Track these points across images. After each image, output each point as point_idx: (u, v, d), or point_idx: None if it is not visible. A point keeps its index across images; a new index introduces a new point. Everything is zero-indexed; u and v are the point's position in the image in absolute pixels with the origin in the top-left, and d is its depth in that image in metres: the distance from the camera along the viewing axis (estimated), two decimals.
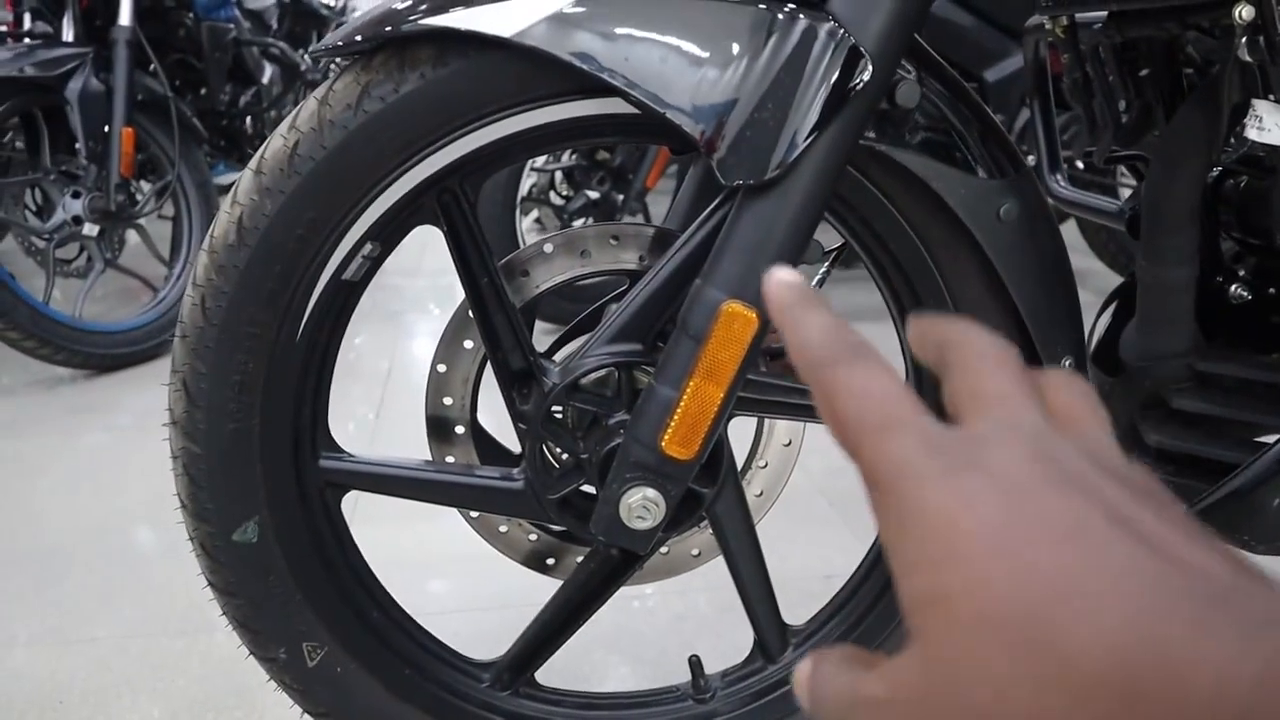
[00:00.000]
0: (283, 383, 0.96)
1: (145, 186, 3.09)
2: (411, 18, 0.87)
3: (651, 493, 0.89)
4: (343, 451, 1.02)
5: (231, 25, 3.28)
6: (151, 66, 2.85)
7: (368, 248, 0.95)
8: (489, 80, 0.89)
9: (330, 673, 1.03)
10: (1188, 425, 1.17)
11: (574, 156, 2.81)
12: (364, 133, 0.89)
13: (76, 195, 2.73)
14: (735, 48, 0.83)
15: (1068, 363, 1.00)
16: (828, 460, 2.09)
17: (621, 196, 2.79)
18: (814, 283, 1.12)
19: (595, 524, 0.92)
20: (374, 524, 1.68)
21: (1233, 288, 1.24)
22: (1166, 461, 1.17)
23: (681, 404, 0.85)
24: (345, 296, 0.97)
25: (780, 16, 0.83)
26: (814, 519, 1.92)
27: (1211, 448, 1.12)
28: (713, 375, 0.84)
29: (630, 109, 0.88)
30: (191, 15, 3.13)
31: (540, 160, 2.79)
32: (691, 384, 0.84)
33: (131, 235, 3.02)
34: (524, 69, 0.88)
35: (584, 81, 0.87)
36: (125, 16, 2.75)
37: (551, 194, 2.84)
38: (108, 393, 2.68)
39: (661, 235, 1.03)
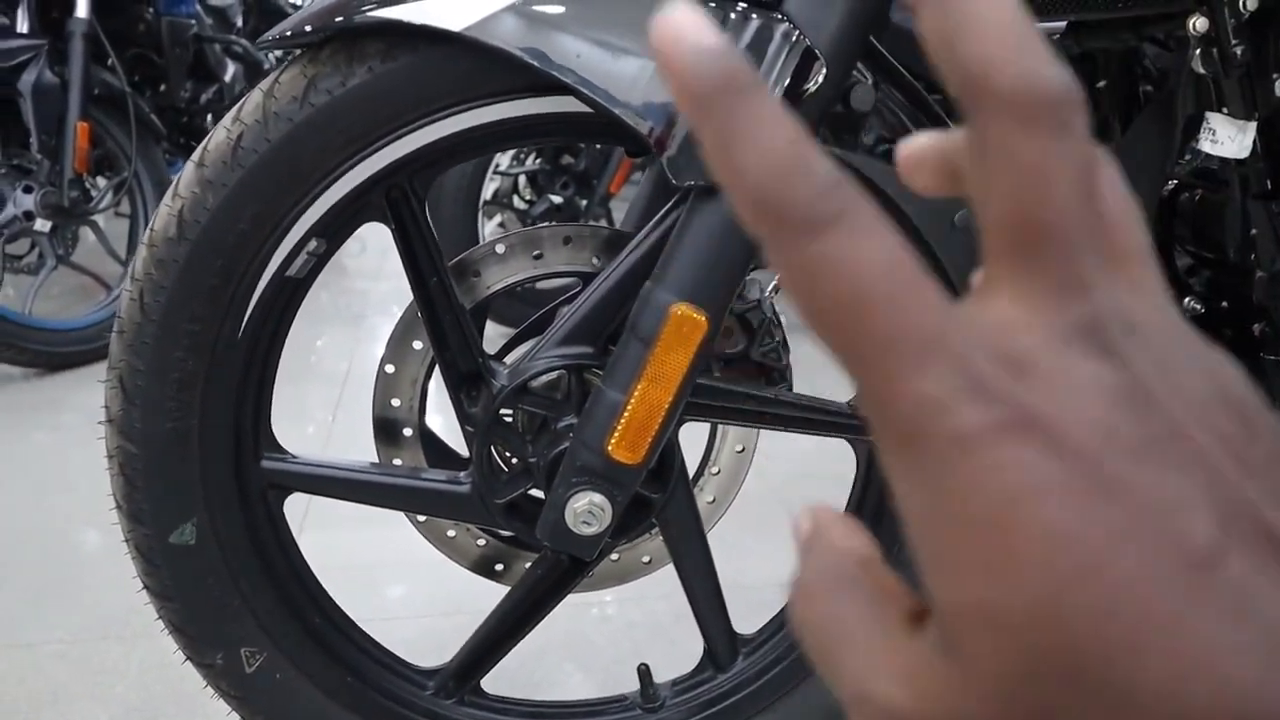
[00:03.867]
0: (223, 381, 0.93)
1: (101, 183, 3.03)
2: (361, 9, 0.85)
3: (598, 498, 0.87)
4: (285, 453, 1.00)
5: (193, 21, 3.23)
6: (110, 61, 2.80)
7: (313, 244, 0.92)
8: (438, 75, 0.87)
9: (269, 679, 1.00)
10: None
11: (538, 161, 2.79)
12: (309, 126, 0.87)
13: (29, 190, 2.68)
14: None
15: None
16: (788, 467, 2.08)
17: (585, 202, 2.78)
18: (770, 288, 1.11)
19: (541, 529, 0.90)
20: (329, 528, 1.65)
21: (1185, 301, 1.24)
22: None
23: (629, 407, 0.83)
24: (290, 294, 0.95)
25: (734, 16, 0.82)
26: (771, 527, 1.91)
27: None
28: (661, 379, 0.82)
29: (584, 108, 0.86)
30: (151, 10, 3.08)
31: (504, 164, 2.77)
32: (639, 387, 0.83)
33: (86, 232, 2.96)
34: (474, 65, 0.86)
35: (535, 79, 0.85)
36: (82, 9, 2.70)
37: (515, 198, 2.83)
38: (56, 391, 2.62)
39: (616, 237, 1.02)
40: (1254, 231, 1.07)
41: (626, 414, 0.83)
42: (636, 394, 0.83)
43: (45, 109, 2.63)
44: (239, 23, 3.91)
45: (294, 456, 1.00)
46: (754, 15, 0.82)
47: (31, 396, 2.59)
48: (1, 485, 2.07)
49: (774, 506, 2.00)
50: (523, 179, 2.83)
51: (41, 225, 2.70)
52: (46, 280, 2.79)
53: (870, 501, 1.07)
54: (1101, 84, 1.21)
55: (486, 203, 2.68)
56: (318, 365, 2.83)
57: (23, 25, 2.75)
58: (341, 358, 2.91)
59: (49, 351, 2.69)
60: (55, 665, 1.45)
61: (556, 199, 2.76)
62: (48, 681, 1.41)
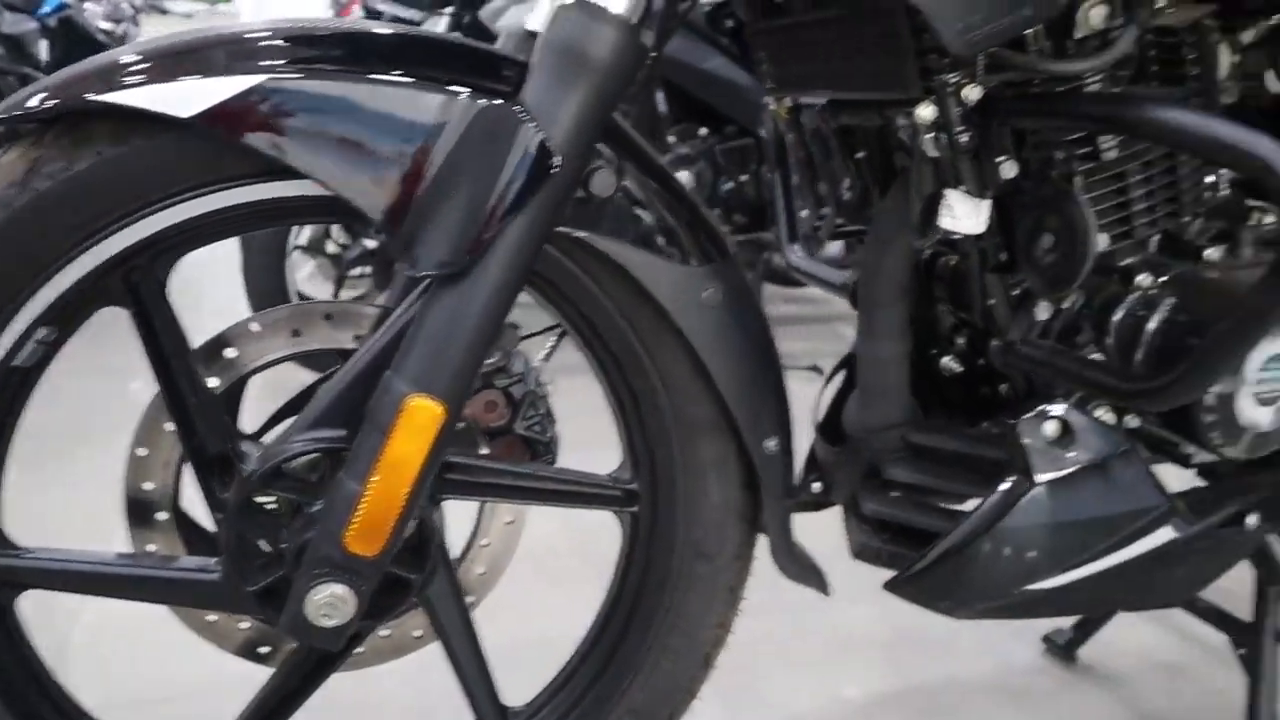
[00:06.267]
0: None
1: None
2: (85, 92, 0.82)
3: (339, 589, 0.86)
4: (15, 546, 0.95)
5: None
6: None
7: (42, 332, 0.89)
8: (172, 160, 0.85)
9: None
10: (899, 495, 1.22)
11: None
12: (31, 212, 0.83)
13: None
14: (422, 136, 0.82)
15: (773, 443, 1.03)
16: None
17: None
18: (541, 358, 1.12)
19: (284, 623, 0.88)
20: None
21: (944, 360, 1.30)
22: (882, 530, 1.22)
23: (365, 500, 0.82)
24: (17, 384, 0.91)
25: (470, 105, 0.83)
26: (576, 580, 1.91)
27: (917, 516, 1.17)
28: (397, 470, 0.82)
29: (327, 190, 0.86)
30: None
31: None
32: (375, 479, 0.82)
33: None
34: (209, 149, 0.85)
35: (273, 163, 0.84)
36: None
37: (328, 243, 2.77)
38: None
39: (380, 314, 1.01)
40: (991, 302, 1.14)
41: (363, 507, 0.82)
42: (372, 486, 0.82)
43: None
44: (40, 54, 3.72)
45: (25, 550, 0.95)
46: (490, 104, 0.83)
47: None
48: None
49: (577, 560, 1.98)
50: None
51: None
52: None
53: (634, 576, 1.08)
54: (861, 155, 1.27)
55: (297, 248, 2.62)
56: None
57: None
58: None
59: None
60: None
61: (370, 243, 2.71)
62: None
